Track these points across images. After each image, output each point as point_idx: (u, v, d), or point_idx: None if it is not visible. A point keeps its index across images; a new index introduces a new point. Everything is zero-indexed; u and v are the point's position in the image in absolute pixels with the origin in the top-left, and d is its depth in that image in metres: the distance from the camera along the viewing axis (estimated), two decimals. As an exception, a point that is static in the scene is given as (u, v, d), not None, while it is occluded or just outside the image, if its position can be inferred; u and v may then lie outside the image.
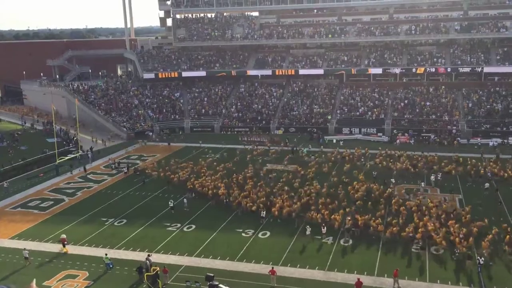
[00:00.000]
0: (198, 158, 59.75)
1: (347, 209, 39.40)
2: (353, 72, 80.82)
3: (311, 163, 54.11)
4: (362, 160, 56.04)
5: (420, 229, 34.68)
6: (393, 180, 47.83)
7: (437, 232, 34.39)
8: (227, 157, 59.53)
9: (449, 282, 29.14)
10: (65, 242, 35.43)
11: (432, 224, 35.45)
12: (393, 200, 41.10)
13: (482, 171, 49.11)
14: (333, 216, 37.53)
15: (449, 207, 39.41)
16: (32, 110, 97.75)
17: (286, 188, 45.08)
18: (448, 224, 35.63)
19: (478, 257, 30.22)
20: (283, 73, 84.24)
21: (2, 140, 72.17)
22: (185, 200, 43.20)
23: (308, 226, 36.07)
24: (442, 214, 37.71)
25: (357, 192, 43.25)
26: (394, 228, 35.18)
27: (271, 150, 61.88)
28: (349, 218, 36.98)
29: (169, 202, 42.93)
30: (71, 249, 35.41)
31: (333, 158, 56.67)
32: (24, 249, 33.93)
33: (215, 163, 55.66)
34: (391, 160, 53.91)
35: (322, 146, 63.22)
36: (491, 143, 61.93)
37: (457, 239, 32.98)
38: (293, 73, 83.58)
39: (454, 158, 53.97)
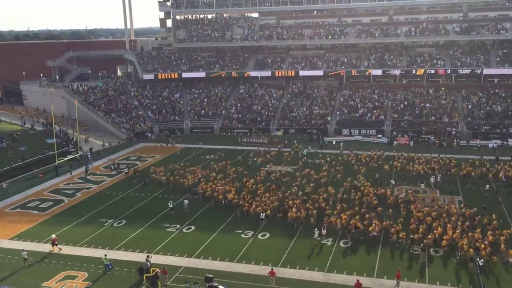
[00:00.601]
0: (198, 159, 59.82)
1: (367, 215, 38.26)
2: (353, 74, 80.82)
3: (324, 168, 52.25)
4: (380, 162, 55.03)
5: (446, 237, 33.74)
6: (392, 181, 47.89)
7: (460, 239, 33.54)
8: (225, 158, 59.49)
9: (449, 284, 29.12)
10: (56, 242, 35.44)
11: (457, 231, 34.40)
12: (412, 206, 39.90)
13: (500, 174, 48.65)
14: (352, 221, 36.51)
15: (470, 213, 38.13)
16: (39, 112, 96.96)
17: (300, 193, 43.73)
18: (474, 230, 34.67)
19: (477, 259, 30.17)
20: (283, 74, 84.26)
21: (2, 140, 71.98)
22: (185, 202, 43.16)
23: (316, 229, 35.71)
24: (466, 221, 36.81)
25: (370, 197, 42.28)
26: (416, 235, 34.39)
27: (271, 152, 61.88)
28: (376, 223, 36.22)
29: (169, 203, 42.90)
30: (71, 250, 35.37)
31: (352, 160, 55.65)
32: (23, 250, 33.88)
33: (228, 166, 54.31)
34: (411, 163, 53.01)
35: (321, 147, 63.28)
36: (490, 145, 61.95)
37: (482, 245, 32.13)
38: (293, 74, 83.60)
39: (470, 161, 53.75)
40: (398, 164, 52.66)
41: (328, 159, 56.99)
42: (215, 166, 54.42)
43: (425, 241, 33.67)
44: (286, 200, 42.15)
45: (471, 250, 31.74)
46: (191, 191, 46.16)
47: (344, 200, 42.47)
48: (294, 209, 39.43)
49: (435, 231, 34.78)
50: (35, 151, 63.62)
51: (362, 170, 51.44)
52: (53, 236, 36.06)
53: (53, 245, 35.42)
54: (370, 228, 35.62)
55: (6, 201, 47.14)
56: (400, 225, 36.05)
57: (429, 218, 37.05)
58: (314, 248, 34.42)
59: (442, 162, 53.16)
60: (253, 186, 46.13)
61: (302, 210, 39.59)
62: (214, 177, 49.70)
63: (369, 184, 45.81)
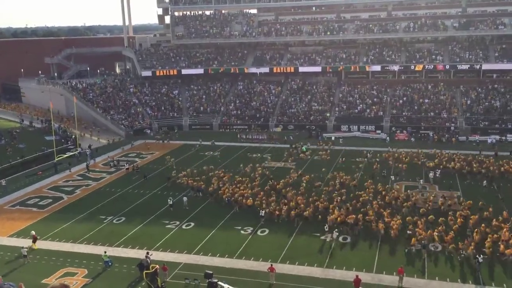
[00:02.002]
0: (197, 156, 59.88)
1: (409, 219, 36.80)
2: (352, 70, 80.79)
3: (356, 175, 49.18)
4: (424, 159, 53.08)
5: (473, 242, 32.72)
6: (392, 177, 48.00)
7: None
8: (225, 155, 59.54)
9: (448, 279, 29.21)
10: (36, 239, 35.62)
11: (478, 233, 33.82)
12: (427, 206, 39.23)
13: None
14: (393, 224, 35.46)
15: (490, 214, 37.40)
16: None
17: (339, 198, 41.06)
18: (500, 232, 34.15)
19: (477, 256, 30.20)
20: (282, 71, 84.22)
21: (0, 138, 72.00)
22: (185, 199, 43.18)
23: (336, 230, 35.12)
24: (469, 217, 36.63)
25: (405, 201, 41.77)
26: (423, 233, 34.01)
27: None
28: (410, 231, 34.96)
29: (168, 200, 42.95)
30: (70, 247, 35.42)
31: (390, 158, 54.45)
32: (23, 247, 33.92)
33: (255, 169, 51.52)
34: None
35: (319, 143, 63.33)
36: (489, 140, 62.01)
37: (501, 246, 31.90)
38: (291, 70, 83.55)
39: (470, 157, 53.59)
40: (431, 164, 50.80)
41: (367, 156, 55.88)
42: (246, 169, 51.42)
43: (420, 236, 33.70)
44: (321, 203, 40.04)
45: (471, 247, 31.70)
46: (193, 188, 46.03)
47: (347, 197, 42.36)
48: (336, 212, 37.70)
49: (439, 228, 34.53)
50: (34, 148, 63.57)
51: (377, 166, 51.49)
52: (33, 232, 36.25)
53: (33, 242, 35.54)
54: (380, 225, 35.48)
55: (6, 198, 47.13)
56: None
57: (431, 216, 36.80)
58: (305, 243, 34.64)
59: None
60: (283, 190, 43.90)
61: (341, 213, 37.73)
62: (240, 181, 46.77)
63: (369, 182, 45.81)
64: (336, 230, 35.36)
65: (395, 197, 41.41)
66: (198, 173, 50.68)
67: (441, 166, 50.22)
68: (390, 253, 32.90)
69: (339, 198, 41.07)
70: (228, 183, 46.33)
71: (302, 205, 39.59)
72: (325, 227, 35.95)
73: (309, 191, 43.96)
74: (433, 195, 42.53)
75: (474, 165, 49.90)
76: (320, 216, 37.83)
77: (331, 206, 39.26)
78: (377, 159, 54.71)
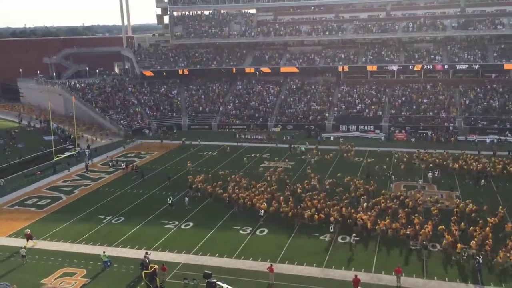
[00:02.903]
0: (195, 156, 59.90)
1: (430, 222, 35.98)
2: (350, 69, 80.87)
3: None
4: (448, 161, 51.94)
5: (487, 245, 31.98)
6: (393, 177, 48.06)
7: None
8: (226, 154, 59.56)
9: (446, 279, 29.21)
10: (30, 237, 35.70)
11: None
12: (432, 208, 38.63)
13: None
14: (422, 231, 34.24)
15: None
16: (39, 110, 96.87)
17: (365, 204, 39.79)
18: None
19: (477, 256, 30.15)
20: (280, 71, 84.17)
21: (-1, 138, 71.96)
22: (186, 199, 43.13)
23: (354, 234, 34.71)
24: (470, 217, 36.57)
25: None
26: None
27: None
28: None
29: (168, 199, 42.96)
30: (69, 247, 35.38)
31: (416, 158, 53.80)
32: (24, 247, 33.87)
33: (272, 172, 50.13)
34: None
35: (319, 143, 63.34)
36: (488, 140, 62.06)
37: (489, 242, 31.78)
38: (290, 70, 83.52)
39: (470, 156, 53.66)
40: (455, 165, 50.29)
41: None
42: (267, 174, 49.64)
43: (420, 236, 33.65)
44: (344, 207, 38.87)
45: (472, 245, 31.70)
46: (191, 187, 45.99)
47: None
48: (365, 217, 36.48)
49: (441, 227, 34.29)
50: (33, 148, 63.49)
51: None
52: (28, 231, 36.34)
53: (27, 240, 35.55)
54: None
55: (4, 198, 47.06)
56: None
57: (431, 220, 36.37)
58: (304, 243, 34.66)
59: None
60: (303, 194, 42.68)
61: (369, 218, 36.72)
62: (255, 186, 45.28)
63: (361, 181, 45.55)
64: (354, 234, 34.74)
65: (418, 201, 40.16)
66: (213, 178, 48.72)
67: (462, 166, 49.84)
68: (389, 253, 32.89)
69: (365, 204, 39.57)
70: (243, 188, 44.63)
71: (326, 209, 38.47)
72: (330, 228, 35.60)
73: (330, 195, 42.62)
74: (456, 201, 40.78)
75: (475, 164, 50.06)
76: (349, 221, 36.48)
77: (352, 211, 37.91)
78: (372, 159, 54.95)
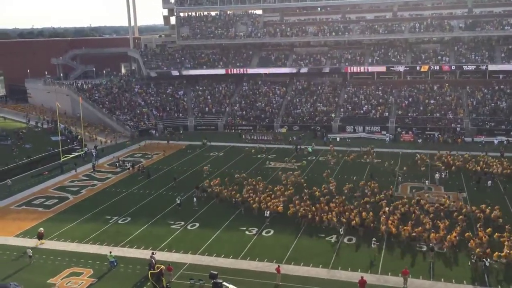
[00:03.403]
0: (202, 157, 60.02)
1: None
2: (357, 70, 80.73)
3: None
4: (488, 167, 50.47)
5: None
6: (400, 178, 47.95)
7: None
8: (230, 155, 59.62)
9: (453, 281, 29.07)
10: (42, 236, 36.29)
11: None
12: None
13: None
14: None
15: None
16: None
17: (387, 209, 38.64)
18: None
19: (484, 259, 29.99)
20: (287, 71, 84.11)
21: (7, 138, 72.38)
22: (194, 199, 43.18)
23: (374, 239, 33.28)
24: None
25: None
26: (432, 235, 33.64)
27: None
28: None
29: (176, 199, 43.14)
30: (76, 247, 35.57)
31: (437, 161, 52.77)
32: (36, 245, 33.98)
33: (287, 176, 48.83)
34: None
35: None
36: (496, 141, 61.72)
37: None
38: (296, 71, 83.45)
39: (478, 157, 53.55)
40: (477, 168, 49.72)
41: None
42: (283, 179, 48.14)
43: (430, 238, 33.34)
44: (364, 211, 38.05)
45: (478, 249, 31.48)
46: (197, 187, 45.96)
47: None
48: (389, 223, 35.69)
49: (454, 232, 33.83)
50: (40, 148, 63.83)
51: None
52: (41, 230, 36.83)
53: (40, 239, 36.02)
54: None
55: (12, 198, 47.37)
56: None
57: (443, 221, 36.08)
58: (310, 244, 34.58)
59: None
60: (321, 198, 41.60)
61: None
62: (271, 190, 44.43)
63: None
64: (374, 239, 33.24)
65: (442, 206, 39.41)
66: (230, 181, 47.55)
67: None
68: (396, 254, 32.78)
69: (387, 208, 38.63)
70: (260, 192, 43.76)
71: (347, 213, 37.81)
72: (340, 230, 35.29)
73: (344, 198, 41.75)
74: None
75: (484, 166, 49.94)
76: (373, 226, 35.86)
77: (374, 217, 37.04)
78: (379, 160, 54.78)
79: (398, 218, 36.68)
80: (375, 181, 46.13)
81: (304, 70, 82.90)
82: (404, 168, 51.39)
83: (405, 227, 34.65)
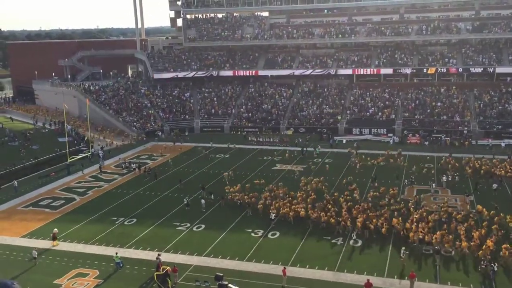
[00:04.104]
0: (207, 159, 60.08)
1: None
2: (363, 72, 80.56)
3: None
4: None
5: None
6: (406, 181, 47.75)
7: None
8: (235, 157, 59.65)
9: (460, 284, 28.91)
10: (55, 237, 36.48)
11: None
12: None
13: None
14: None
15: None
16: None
17: (415, 217, 37.18)
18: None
19: (493, 264, 29.74)
20: (293, 73, 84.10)
21: (14, 139, 72.89)
22: (202, 201, 43.18)
23: (403, 248, 32.11)
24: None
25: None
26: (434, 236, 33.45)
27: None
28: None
29: (184, 200, 43.35)
30: (82, 248, 35.72)
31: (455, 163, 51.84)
32: (50, 248, 34.19)
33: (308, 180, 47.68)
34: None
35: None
36: (503, 144, 61.34)
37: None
38: (303, 73, 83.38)
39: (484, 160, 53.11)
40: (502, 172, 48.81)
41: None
42: (301, 184, 46.66)
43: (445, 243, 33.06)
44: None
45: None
46: (203, 188, 45.90)
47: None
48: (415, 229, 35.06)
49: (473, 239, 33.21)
50: (47, 149, 64.14)
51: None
52: (56, 230, 37.03)
53: (54, 239, 36.21)
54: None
55: (19, 199, 47.61)
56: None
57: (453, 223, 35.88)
58: (316, 246, 34.46)
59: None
60: (343, 205, 40.49)
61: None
62: (292, 196, 43.31)
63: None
64: (404, 249, 32.03)
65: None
66: (250, 188, 46.14)
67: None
68: (402, 257, 32.60)
69: (416, 215, 37.35)
70: (279, 198, 42.70)
71: (374, 220, 36.81)
72: (353, 235, 34.86)
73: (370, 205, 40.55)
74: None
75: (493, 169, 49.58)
76: (403, 233, 34.91)
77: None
78: (384, 163, 54.59)
79: (429, 226, 35.38)
80: (375, 184, 46.19)
81: (310, 72, 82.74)
82: (432, 171, 50.41)
83: (435, 235, 33.59)
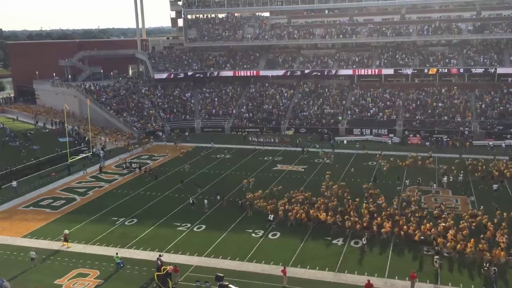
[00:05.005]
0: (208, 159, 60.05)
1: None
2: (364, 73, 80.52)
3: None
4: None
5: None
6: (407, 182, 47.73)
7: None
8: (236, 157, 59.65)
9: (461, 285, 28.86)
10: (66, 238, 36.31)
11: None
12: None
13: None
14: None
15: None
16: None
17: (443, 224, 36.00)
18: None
19: (494, 267, 29.64)
20: (294, 74, 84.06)
21: (15, 139, 72.88)
22: (205, 201, 43.17)
23: (437, 257, 30.99)
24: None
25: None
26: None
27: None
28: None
29: (190, 199, 43.43)
30: (83, 248, 35.70)
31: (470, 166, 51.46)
32: (60, 248, 34.17)
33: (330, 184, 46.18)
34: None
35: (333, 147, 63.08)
36: (504, 145, 61.28)
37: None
38: (304, 73, 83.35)
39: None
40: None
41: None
42: (322, 190, 45.24)
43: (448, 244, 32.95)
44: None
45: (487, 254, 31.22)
46: (217, 193, 45.15)
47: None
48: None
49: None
50: (48, 150, 64.13)
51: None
52: (66, 231, 36.81)
53: (65, 241, 36.09)
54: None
55: (19, 199, 47.59)
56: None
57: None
58: (316, 247, 34.50)
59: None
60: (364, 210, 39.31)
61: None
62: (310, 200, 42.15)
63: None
64: (437, 258, 30.99)
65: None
66: (270, 195, 44.84)
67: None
68: (403, 258, 32.58)
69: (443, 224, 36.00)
70: (298, 203, 41.34)
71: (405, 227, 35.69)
72: (363, 239, 34.24)
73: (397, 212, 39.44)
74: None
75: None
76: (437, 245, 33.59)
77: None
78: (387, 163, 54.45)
79: (463, 234, 34.09)
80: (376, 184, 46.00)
81: (311, 72, 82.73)
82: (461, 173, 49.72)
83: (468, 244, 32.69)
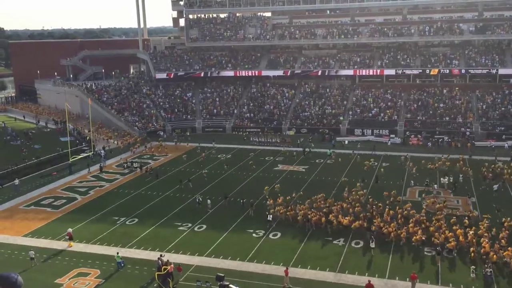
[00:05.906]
0: (209, 159, 60.05)
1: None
2: (366, 73, 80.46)
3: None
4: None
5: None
6: (412, 182, 47.74)
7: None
8: (237, 157, 59.61)
9: (462, 286, 28.81)
10: (71, 237, 36.35)
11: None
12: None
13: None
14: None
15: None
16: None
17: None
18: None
19: (489, 269, 29.57)
20: (295, 74, 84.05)
21: (16, 138, 72.98)
22: (208, 201, 43.16)
23: (473, 267, 29.96)
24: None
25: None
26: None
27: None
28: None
29: (197, 199, 43.62)
30: (83, 247, 35.75)
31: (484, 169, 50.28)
32: (69, 245, 34.19)
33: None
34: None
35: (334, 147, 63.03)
36: (506, 146, 61.19)
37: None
38: (305, 74, 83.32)
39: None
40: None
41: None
42: (344, 194, 44.04)
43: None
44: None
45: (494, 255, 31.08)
46: (226, 197, 44.47)
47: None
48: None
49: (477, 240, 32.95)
50: (49, 149, 64.20)
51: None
52: (70, 230, 36.85)
53: (70, 239, 36.13)
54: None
55: (20, 198, 47.66)
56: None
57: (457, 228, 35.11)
58: (317, 247, 34.46)
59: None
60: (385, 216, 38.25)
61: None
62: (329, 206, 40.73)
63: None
64: (474, 268, 29.87)
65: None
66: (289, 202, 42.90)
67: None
68: (404, 258, 32.56)
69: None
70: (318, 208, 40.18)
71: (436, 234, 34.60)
72: (371, 243, 33.59)
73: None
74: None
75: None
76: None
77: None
78: (388, 163, 54.33)
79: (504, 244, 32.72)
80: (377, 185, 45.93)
81: (312, 72, 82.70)
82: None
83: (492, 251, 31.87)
